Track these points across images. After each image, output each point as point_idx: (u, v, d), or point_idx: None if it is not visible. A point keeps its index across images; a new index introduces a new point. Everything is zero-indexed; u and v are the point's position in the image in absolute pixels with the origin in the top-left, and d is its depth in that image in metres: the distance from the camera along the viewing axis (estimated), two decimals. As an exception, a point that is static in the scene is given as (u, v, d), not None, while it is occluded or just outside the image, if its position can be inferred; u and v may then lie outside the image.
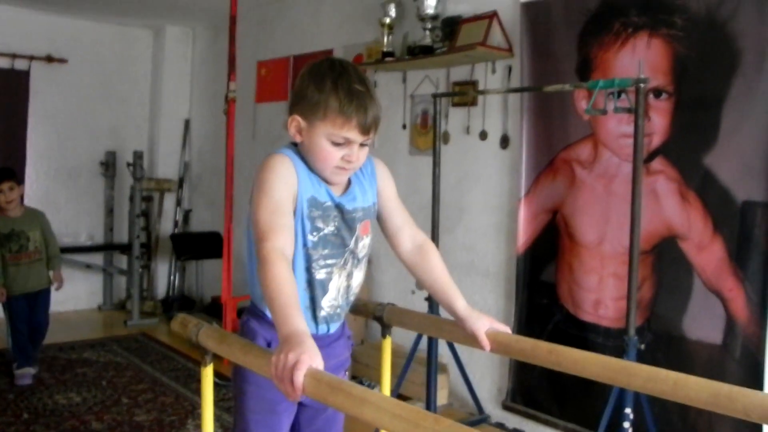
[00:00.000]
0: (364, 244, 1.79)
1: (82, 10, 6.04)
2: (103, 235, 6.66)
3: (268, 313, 1.68)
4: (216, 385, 4.29)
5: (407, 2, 4.28)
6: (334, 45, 5.04)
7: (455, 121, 4.11)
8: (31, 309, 4.45)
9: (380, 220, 1.87)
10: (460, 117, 4.08)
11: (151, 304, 6.47)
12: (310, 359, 1.29)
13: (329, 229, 1.69)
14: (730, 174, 2.91)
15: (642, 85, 2.69)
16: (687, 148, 3.04)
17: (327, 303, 1.75)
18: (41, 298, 4.53)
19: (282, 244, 1.53)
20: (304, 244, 1.67)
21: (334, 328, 1.81)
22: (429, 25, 4.04)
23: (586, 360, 1.44)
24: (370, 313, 1.95)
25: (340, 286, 1.76)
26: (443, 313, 1.86)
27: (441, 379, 3.94)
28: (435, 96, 3.61)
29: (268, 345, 1.72)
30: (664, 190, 3.11)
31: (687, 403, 1.29)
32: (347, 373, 1.97)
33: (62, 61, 6.29)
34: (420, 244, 1.86)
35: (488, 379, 3.94)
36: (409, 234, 1.87)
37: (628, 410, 2.74)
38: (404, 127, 4.36)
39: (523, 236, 3.70)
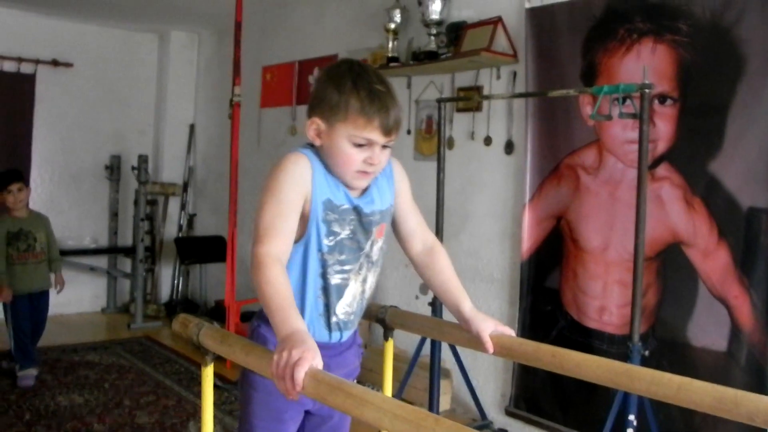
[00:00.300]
0: (379, 248, 1.75)
1: (88, 14, 6.06)
2: (108, 239, 6.66)
3: None
4: (217, 388, 4.33)
5: (412, 8, 4.28)
6: (338, 50, 5.04)
7: (460, 126, 4.11)
8: (34, 309, 4.48)
9: (394, 223, 1.83)
10: (465, 122, 4.07)
11: (155, 308, 6.47)
12: (312, 358, 1.29)
13: (345, 233, 1.65)
14: (736, 180, 2.89)
15: (647, 90, 2.68)
16: (692, 154, 3.03)
17: (341, 309, 1.71)
18: (43, 299, 4.57)
19: (278, 250, 1.52)
20: (319, 249, 1.64)
21: (346, 335, 1.77)
22: (434, 31, 4.04)
23: (588, 363, 1.43)
24: (372, 316, 1.95)
25: (356, 292, 1.72)
26: (448, 317, 1.85)
27: (444, 384, 3.93)
28: (439, 101, 3.61)
29: None
30: (669, 197, 3.10)
31: (691, 407, 1.28)
32: (355, 381, 1.93)
33: (68, 65, 6.31)
34: (431, 246, 1.85)
35: (491, 385, 3.93)
36: (421, 237, 1.85)
37: (631, 417, 2.73)
38: (409, 132, 4.36)
39: (527, 242, 3.69)
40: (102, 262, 6.58)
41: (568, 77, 3.47)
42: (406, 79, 4.42)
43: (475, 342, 1.68)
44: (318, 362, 1.30)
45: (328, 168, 1.63)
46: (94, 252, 6.44)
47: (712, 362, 2.97)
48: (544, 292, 3.63)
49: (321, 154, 1.64)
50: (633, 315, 2.76)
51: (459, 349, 3.59)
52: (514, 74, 3.80)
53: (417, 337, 3.57)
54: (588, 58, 3.41)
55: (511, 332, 1.67)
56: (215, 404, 4.18)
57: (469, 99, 3.89)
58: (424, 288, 4.22)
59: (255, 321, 1.77)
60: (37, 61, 6.14)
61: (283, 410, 1.73)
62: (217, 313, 5.81)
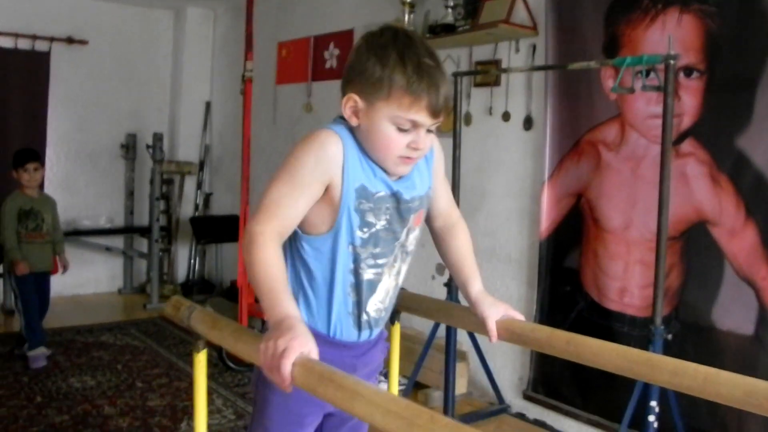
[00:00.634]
0: (415, 236, 1.58)
1: (103, -9, 5.98)
2: (124, 218, 6.61)
3: (306, 319, 1.49)
4: (230, 369, 4.28)
5: (429, -21, 4.15)
6: (354, 24, 4.92)
7: (477, 102, 3.98)
8: (38, 289, 4.46)
9: None
10: (483, 98, 3.95)
11: (171, 288, 6.44)
12: (300, 346, 1.20)
13: (381, 223, 1.48)
14: (765, 156, 2.75)
15: (672, 61, 2.54)
16: (719, 130, 2.89)
17: (373, 306, 1.55)
18: (46, 280, 4.57)
19: (276, 230, 1.38)
20: (351, 242, 1.46)
21: (375, 333, 1.61)
22: (451, 3, 3.91)
23: (607, 351, 1.33)
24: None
25: (389, 287, 1.56)
26: (464, 300, 1.73)
27: (460, 367, 3.83)
28: (456, 75, 3.48)
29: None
30: (694, 173, 2.96)
31: (718, 401, 1.17)
32: (379, 376, 1.80)
33: (83, 42, 6.23)
34: (454, 222, 1.71)
35: (509, 368, 3.83)
36: (447, 213, 1.71)
37: (653, 403, 2.62)
38: (425, 108, 4.24)
39: (546, 221, 3.57)
40: (118, 242, 6.55)
41: (590, 50, 3.33)
42: (422, 53, 4.29)
43: (483, 327, 1.57)
44: (310, 349, 1.21)
45: (364, 150, 1.45)
46: (110, 232, 6.40)
47: (738, 346, 2.84)
48: (563, 272, 3.51)
49: (357, 134, 1.45)
50: (655, 297, 2.64)
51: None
52: (534, 47, 3.66)
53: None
54: (610, 29, 3.27)
55: (521, 317, 1.56)
56: (228, 386, 4.16)
57: (486, 72, 3.76)
58: (441, 268, 4.12)
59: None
60: (51, 39, 6.06)
61: (304, 414, 1.58)
62: (232, 293, 5.76)
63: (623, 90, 2.74)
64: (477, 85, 3.97)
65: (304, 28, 5.48)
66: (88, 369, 4.31)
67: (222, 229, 6.26)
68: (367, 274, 1.50)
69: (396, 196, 1.48)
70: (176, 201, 6.73)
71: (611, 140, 3.27)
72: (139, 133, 6.52)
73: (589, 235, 3.39)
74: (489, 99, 3.90)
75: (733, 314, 2.86)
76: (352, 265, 1.48)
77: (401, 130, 1.40)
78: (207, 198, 6.83)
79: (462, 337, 3.71)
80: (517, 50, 3.74)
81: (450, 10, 3.90)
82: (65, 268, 4.65)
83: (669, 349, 2.75)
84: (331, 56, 5.15)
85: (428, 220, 1.69)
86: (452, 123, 3.62)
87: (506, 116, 3.81)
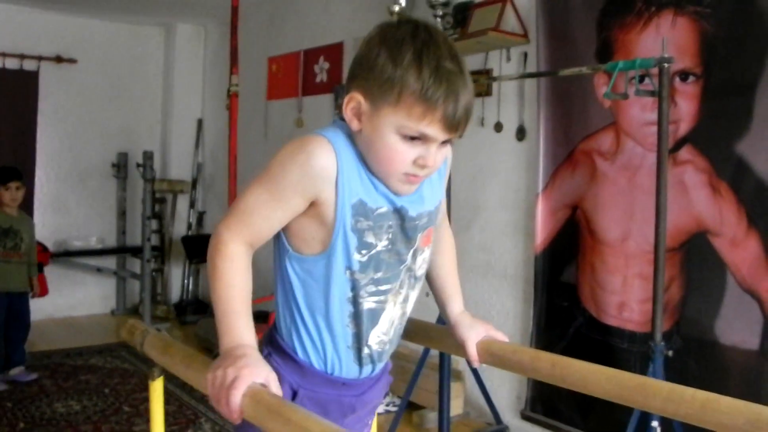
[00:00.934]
0: (424, 258, 1.38)
1: (92, 8, 5.90)
2: (116, 239, 6.51)
3: (299, 353, 1.33)
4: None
5: (418, -11, 4.06)
6: (344, 37, 4.83)
7: (469, 112, 3.87)
8: (12, 310, 4.38)
9: None
10: (475, 108, 3.82)
11: (164, 309, 6.32)
12: (252, 375, 1.07)
13: (382, 244, 1.27)
14: (766, 163, 2.64)
15: (666, 65, 2.43)
16: (718, 136, 2.77)
17: (375, 339, 1.34)
18: (23, 300, 4.48)
19: (247, 240, 1.23)
20: (348, 266, 1.26)
21: (379, 368, 1.41)
22: (440, 12, 3.81)
23: (595, 375, 1.20)
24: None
25: (394, 317, 1.36)
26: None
27: (456, 387, 3.70)
28: (445, 85, 3.37)
29: (295, 394, 1.32)
30: (692, 182, 2.84)
31: (719, 430, 1.05)
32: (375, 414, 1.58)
33: (72, 61, 6.16)
34: (441, 235, 1.53)
35: (506, 387, 3.70)
36: (439, 226, 1.50)
37: (654, 423, 2.49)
38: (416, 120, 4.14)
39: (541, 234, 3.45)
40: (111, 262, 6.44)
41: (583, 56, 3.23)
42: (412, 65, 4.19)
43: (463, 350, 1.44)
44: (265, 378, 1.09)
45: (363, 159, 1.25)
46: (102, 252, 6.29)
47: (743, 362, 2.71)
48: (560, 287, 3.39)
49: (357, 141, 1.25)
50: (654, 312, 2.52)
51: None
52: (525, 55, 3.56)
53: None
54: (603, 35, 3.16)
55: (503, 338, 1.43)
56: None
57: (475, 81, 3.64)
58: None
59: (264, 348, 1.37)
60: (40, 58, 6.00)
61: None
62: (225, 313, 5.63)
63: (616, 96, 2.63)
64: (468, 95, 3.86)
65: (294, 42, 5.39)
66: (75, 393, 4.19)
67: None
68: (368, 303, 1.30)
69: (400, 213, 1.28)
70: (169, 220, 6.63)
71: (606, 149, 3.16)
72: (130, 152, 6.43)
73: (586, 248, 3.27)
74: (481, 109, 3.79)
75: (736, 328, 2.73)
76: (350, 293, 1.29)
77: (409, 142, 1.19)
78: (200, 216, 6.73)
79: (457, 356, 3.58)
80: (509, 59, 3.64)
81: (439, 20, 3.81)
82: (35, 294, 4.61)
83: (670, 366, 2.63)
84: (321, 70, 5.06)
85: None
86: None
87: (498, 127, 3.70)
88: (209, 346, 4.96)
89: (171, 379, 4.51)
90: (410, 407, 3.77)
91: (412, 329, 1.48)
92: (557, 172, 3.38)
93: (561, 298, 3.38)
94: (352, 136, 1.26)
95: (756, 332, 2.67)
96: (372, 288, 1.29)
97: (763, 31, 2.65)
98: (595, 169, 3.21)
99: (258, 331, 1.20)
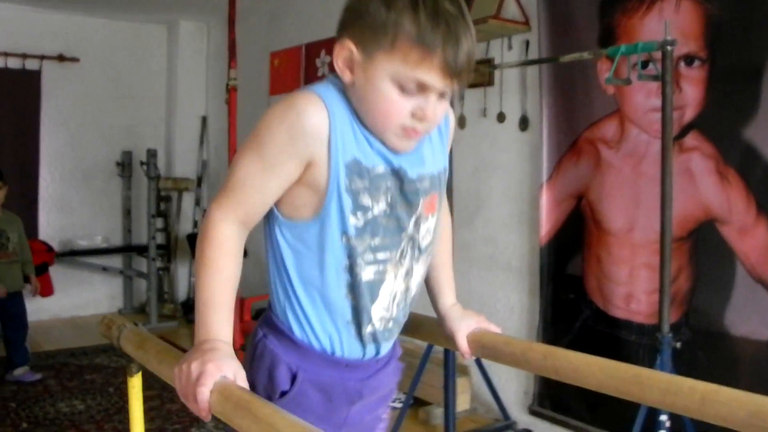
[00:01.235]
0: (428, 228, 1.27)
1: (94, 7, 5.86)
2: (122, 237, 6.49)
3: (296, 332, 1.24)
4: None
5: (418, -21, 3.99)
6: (345, 30, 4.77)
7: (471, 103, 3.81)
8: (7, 310, 4.34)
9: None
10: (476, 99, 3.78)
11: (171, 307, 6.29)
12: (219, 369, 1.02)
13: (380, 207, 1.18)
14: (775, 147, 2.56)
15: (669, 48, 2.36)
16: (724, 121, 2.70)
17: (377, 315, 1.25)
18: (15, 300, 4.41)
19: (241, 219, 1.15)
20: (344, 231, 1.17)
21: (385, 349, 1.31)
22: (440, 2, 3.74)
23: (588, 366, 1.14)
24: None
25: (396, 291, 1.26)
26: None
27: (462, 383, 3.64)
28: (445, 75, 3.30)
29: (294, 377, 1.24)
30: (699, 169, 2.77)
31: (717, 422, 0.99)
32: (388, 407, 1.46)
33: (74, 60, 6.13)
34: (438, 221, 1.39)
35: (514, 382, 3.64)
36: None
37: (663, 417, 2.42)
38: (419, 112, 4.08)
39: (546, 225, 3.39)
40: (116, 261, 6.41)
41: (585, 43, 3.16)
42: (414, 56, 4.13)
43: (453, 343, 1.38)
44: (233, 373, 1.03)
45: (358, 114, 1.17)
46: (107, 251, 6.27)
47: (753, 353, 2.64)
48: (565, 279, 3.32)
49: (350, 94, 1.16)
50: (661, 303, 2.45)
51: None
52: (527, 43, 3.49)
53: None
54: (605, 20, 3.09)
55: (496, 329, 1.37)
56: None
57: (477, 71, 3.58)
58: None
59: (260, 329, 1.29)
60: (42, 57, 5.96)
61: None
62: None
63: (618, 81, 2.56)
64: (470, 85, 3.80)
65: (295, 36, 5.34)
66: (79, 393, 4.16)
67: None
68: (366, 273, 1.20)
69: (398, 174, 1.19)
70: (174, 218, 6.59)
71: (611, 137, 3.09)
72: (134, 150, 6.39)
73: (592, 239, 3.20)
74: (483, 100, 3.73)
75: (747, 318, 2.65)
76: (346, 261, 1.19)
77: (405, 92, 1.11)
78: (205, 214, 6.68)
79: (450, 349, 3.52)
80: (510, 47, 3.57)
81: (440, 9, 3.74)
82: (35, 292, 4.58)
83: (679, 358, 2.56)
84: (323, 64, 5.00)
85: None
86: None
87: (501, 117, 3.63)
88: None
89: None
90: (416, 403, 3.71)
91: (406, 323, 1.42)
92: (561, 162, 3.31)
93: (567, 291, 3.31)
94: (344, 91, 1.17)
95: (766, 323, 2.60)
96: (369, 256, 1.20)
97: (769, 13, 2.57)
98: (599, 157, 3.14)
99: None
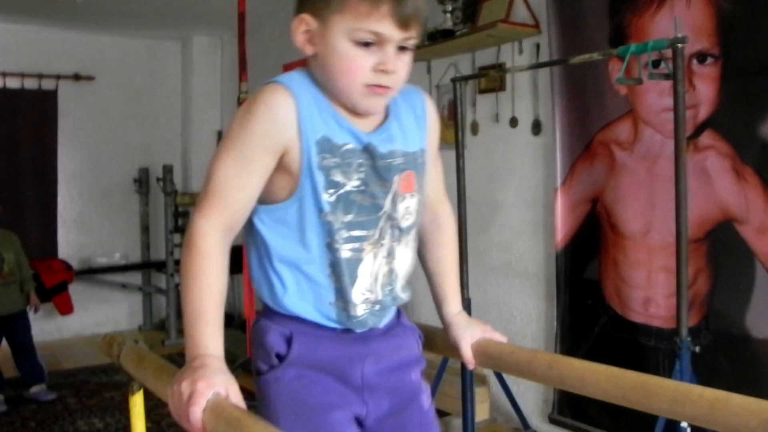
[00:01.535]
0: (407, 207, 1.27)
1: (107, 26, 5.90)
2: (140, 254, 6.50)
3: (286, 308, 1.24)
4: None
5: (427, -15, 3.97)
6: (356, 40, 4.76)
7: (483, 109, 3.77)
8: (9, 332, 4.26)
9: None
10: (489, 104, 3.74)
11: (190, 322, 6.29)
12: (210, 387, 1.00)
13: (352, 183, 1.19)
14: (793, 144, 2.50)
15: (680, 45, 2.31)
16: (739, 119, 2.64)
17: (358, 296, 1.24)
18: (18, 321, 4.29)
19: (225, 224, 1.14)
20: (319, 209, 1.18)
21: (383, 321, 1.30)
22: (449, 7, 3.72)
23: (593, 375, 1.10)
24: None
25: (377, 272, 1.25)
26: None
27: (481, 392, 3.59)
28: (455, 81, 3.27)
29: (288, 340, 1.23)
30: (715, 168, 2.71)
31: None
32: (424, 383, 1.40)
33: (90, 78, 6.16)
34: (441, 222, 1.43)
35: (533, 390, 3.58)
36: (433, 206, 1.41)
37: (684, 424, 2.36)
38: (431, 120, 4.05)
39: (561, 230, 3.33)
40: (136, 278, 6.42)
41: (596, 44, 3.11)
42: (425, 63, 4.11)
43: (457, 352, 1.34)
44: (227, 390, 1.01)
45: (327, 94, 1.20)
46: (126, 268, 6.28)
47: (777, 355, 2.57)
48: (582, 284, 3.26)
49: (316, 72, 1.21)
50: (679, 306, 2.39)
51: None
52: (538, 46, 3.45)
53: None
54: (616, 20, 3.04)
55: (501, 338, 1.33)
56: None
57: (486, 75, 3.55)
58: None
59: (256, 320, 1.32)
60: (58, 77, 6.00)
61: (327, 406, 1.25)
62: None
63: (629, 81, 2.51)
64: (482, 91, 3.77)
65: (307, 47, 5.33)
66: (98, 410, 4.16)
67: (238, 260, 6.05)
68: (344, 251, 1.21)
69: (369, 150, 1.21)
70: (192, 233, 6.59)
71: (624, 139, 3.04)
72: (151, 167, 6.41)
73: (608, 243, 3.14)
74: (495, 105, 3.69)
75: (769, 320, 2.59)
76: (325, 240, 1.20)
77: (363, 46, 1.14)
78: (223, 229, 6.69)
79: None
80: (521, 51, 3.54)
81: (448, 15, 3.72)
82: (36, 309, 4.44)
83: (700, 363, 2.49)
84: (335, 74, 4.98)
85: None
86: (455, 133, 3.41)
87: (513, 122, 3.59)
88: (233, 358, 4.90)
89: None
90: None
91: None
92: (575, 166, 3.26)
93: (584, 296, 3.26)
94: (310, 75, 1.22)
95: (790, 324, 2.53)
96: (345, 233, 1.21)
97: (783, 7, 2.52)
98: (613, 160, 3.09)
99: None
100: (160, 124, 6.61)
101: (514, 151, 3.62)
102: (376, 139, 1.22)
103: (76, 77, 6.11)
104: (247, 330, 4.06)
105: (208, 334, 1.09)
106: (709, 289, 2.75)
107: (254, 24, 4.45)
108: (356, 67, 1.15)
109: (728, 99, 2.67)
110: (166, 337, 5.86)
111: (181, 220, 6.41)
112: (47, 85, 5.97)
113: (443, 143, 3.99)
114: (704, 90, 2.72)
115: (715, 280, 2.73)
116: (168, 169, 5.90)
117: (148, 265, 6.41)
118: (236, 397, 1.02)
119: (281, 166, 1.18)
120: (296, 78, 1.20)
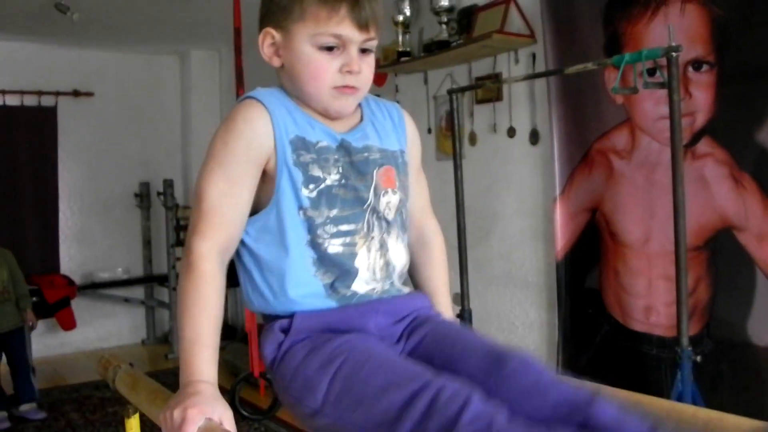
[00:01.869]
0: (389, 202, 1.28)
1: (106, 41, 5.92)
2: (143, 268, 6.51)
3: (279, 309, 1.23)
4: (246, 419, 4.07)
5: (422, -3, 3.98)
6: (353, 51, 4.76)
7: (481, 119, 3.77)
8: (5, 350, 4.24)
9: None
10: (486, 115, 3.74)
11: (193, 336, 6.29)
12: (202, 413, 1.00)
13: (332, 177, 1.22)
14: (790, 151, 2.49)
15: (674, 54, 2.31)
16: (736, 125, 2.63)
17: (362, 287, 1.24)
18: (15, 338, 4.27)
19: (222, 245, 1.15)
20: (300, 206, 1.20)
21: (391, 291, 1.29)
22: (445, 19, 3.72)
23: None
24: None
25: (374, 266, 1.25)
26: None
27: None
28: (450, 92, 3.27)
29: (290, 321, 1.20)
30: (713, 175, 2.70)
31: (722, 451, 0.93)
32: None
33: (89, 94, 6.18)
34: (428, 239, 1.44)
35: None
36: (419, 223, 1.43)
37: None
38: (429, 131, 4.05)
39: (561, 240, 3.33)
40: (138, 292, 6.43)
41: (591, 53, 3.11)
42: (422, 74, 4.11)
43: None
44: (220, 416, 1.01)
45: (299, 103, 1.25)
46: (129, 282, 6.29)
47: (779, 363, 2.56)
48: (583, 294, 3.25)
49: (285, 83, 1.26)
50: (679, 315, 2.38)
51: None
52: (534, 56, 3.45)
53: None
54: (610, 28, 3.04)
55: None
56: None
57: (482, 86, 3.55)
58: (456, 298, 3.89)
59: (260, 337, 1.30)
60: (57, 93, 6.02)
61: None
62: (252, 337, 5.59)
63: (624, 90, 2.51)
64: (479, 101, 3.77)
65: (305, 59, 5.34)
66: (102, 426, 4.15)
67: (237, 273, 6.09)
68: (333, 247, 1.21)
69: (344, 146, 1.25)
70: (194, 246, 6.60)
71: (622, 147, 3.03)
72: (152, 181, 6.42)
73: (608, 252, 3.13)
74: (492, 115, 3.69)
75: (770, 327, 2.57)
76: (307, 236, 1.21)
77: (327, 50, 1.20)
78: (225, 241, 6.69)
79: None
80: (517, 61, 3.53)
81: (444, 26, 3.72)
82: (32, 327, 4.42)
83: (702, 371, 2.48)
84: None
85: None
86: (452, 144, 3.41)
87: (511, 132, 3.59)
88: (236, 371, 4.90)
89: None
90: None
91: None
92: (574, 175, 3.26)
93: (585, 305, 3.25)
94: (281, 89, 1.27)
95: (792, 331, 2.52)
96: (332, 228, 1.22)
97: (777, 13, 2.51)
98: (611, 168, 3.09)
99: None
100: (159, 138, 6.62)
101: (513, 161, 3.62)
102: (350, 137, 1.27)
103: (76, 93, 6.13)
104: (249, 343, 4.06)
105: (204, 360, 1.09)
106: (709, 297, 2.74)
107: (250, 38, 4.45)
108: (322, 70, 1.21)
109: (725, 106, 2.66)
110: (170, 351, 5.85)
111: (182, 233, 6.41)
112: (47, 101, 5.99)
113: (442, 154, 4.00)
114: (701, 97, 2.71)
115: (716, 288, 2.72)
116: (168, 183, 5.91)
117: (150, 279, 6.41)
118: (229, 424, 1.02)
119: (264, 174, 1.22)
120: (267, 91, 1.24)
